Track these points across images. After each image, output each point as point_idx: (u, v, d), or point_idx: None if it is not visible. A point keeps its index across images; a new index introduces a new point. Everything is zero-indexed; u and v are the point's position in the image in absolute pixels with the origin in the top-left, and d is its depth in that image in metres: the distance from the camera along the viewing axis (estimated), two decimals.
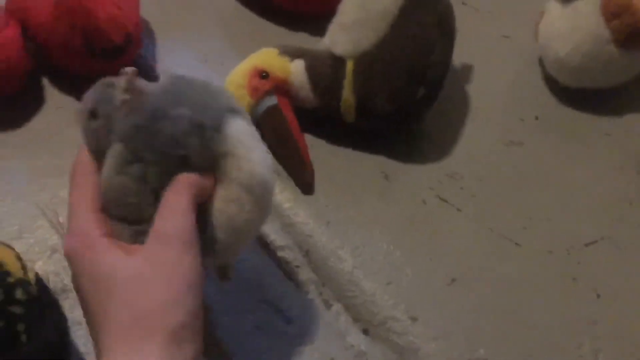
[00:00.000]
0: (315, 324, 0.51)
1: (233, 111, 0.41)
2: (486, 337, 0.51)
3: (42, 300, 0.42)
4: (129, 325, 0.35)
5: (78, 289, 0.38)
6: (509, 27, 0.76)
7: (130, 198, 0.39)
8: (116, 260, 0.37)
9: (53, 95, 0.65)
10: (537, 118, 0.67)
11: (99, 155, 0.41)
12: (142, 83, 0.40)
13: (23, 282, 0.41)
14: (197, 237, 0.38)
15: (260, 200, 0.42)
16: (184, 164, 0.39)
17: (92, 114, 0.40)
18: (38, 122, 0.63)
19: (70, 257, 0.38)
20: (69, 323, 0.48)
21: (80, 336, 0.49)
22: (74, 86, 0.65)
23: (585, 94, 0.68)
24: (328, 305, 0.53)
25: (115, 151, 0.39)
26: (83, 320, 0.49)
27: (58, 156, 0.60)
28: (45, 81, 0.66)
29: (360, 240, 0.56)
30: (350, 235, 0.56)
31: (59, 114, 0.64)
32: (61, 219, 0.55)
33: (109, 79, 0.41)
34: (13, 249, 0.44)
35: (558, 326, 0.51)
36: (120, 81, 0.39)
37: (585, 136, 0.66)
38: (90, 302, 0.37)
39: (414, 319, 0.51)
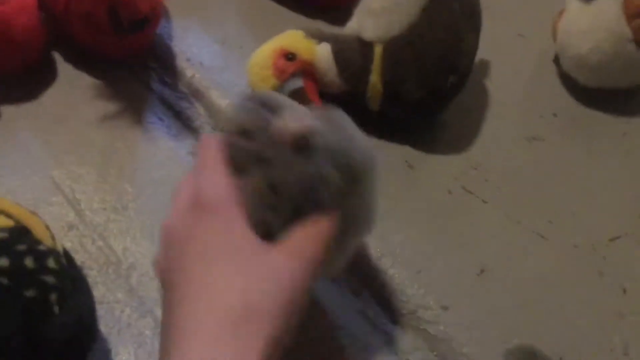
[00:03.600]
0: (347, 312, 0.50)
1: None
2: (519, 327, 0.49)
3: (71, 272, 0.39)
4: (236, 313, 0.32)
5: (178, 252, 0.35)
6: (524, 27, 0.76)
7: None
8: (251, 236, 0.35)
9: (66, 71, 0.63)
10: (555, 115, 0.67)
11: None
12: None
13: (54, 251, 0.38)
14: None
15: None
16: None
17: (244, 134, 0.38)
18: (52, 99, 0.60)
19: (191, 212, 0.35)
20: None
21: (100, 317, 0.46)
22: (88, 63, 0.63)
23: (600, 93, 0.68)
24: (356, 293, 0.51)
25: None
26: (104, 299, 0.47)
27: (73, 132, 0.57)
28: (57, 56, 0.64)
29: (385, 227, 0.54)
30: (375, 223, 0.54)
31: (73, 91, 0.61)
32: (78, 195, 0.53)
33: (264, 97, 0.39)
34: (40, 218, 0.41)
35: (587, 319, 0.51)
36: (291, 126, 0.37)
37: (602, 134, 0.65)
38: (190, 266, 0.34)
39: (445, 308, 0.50)
